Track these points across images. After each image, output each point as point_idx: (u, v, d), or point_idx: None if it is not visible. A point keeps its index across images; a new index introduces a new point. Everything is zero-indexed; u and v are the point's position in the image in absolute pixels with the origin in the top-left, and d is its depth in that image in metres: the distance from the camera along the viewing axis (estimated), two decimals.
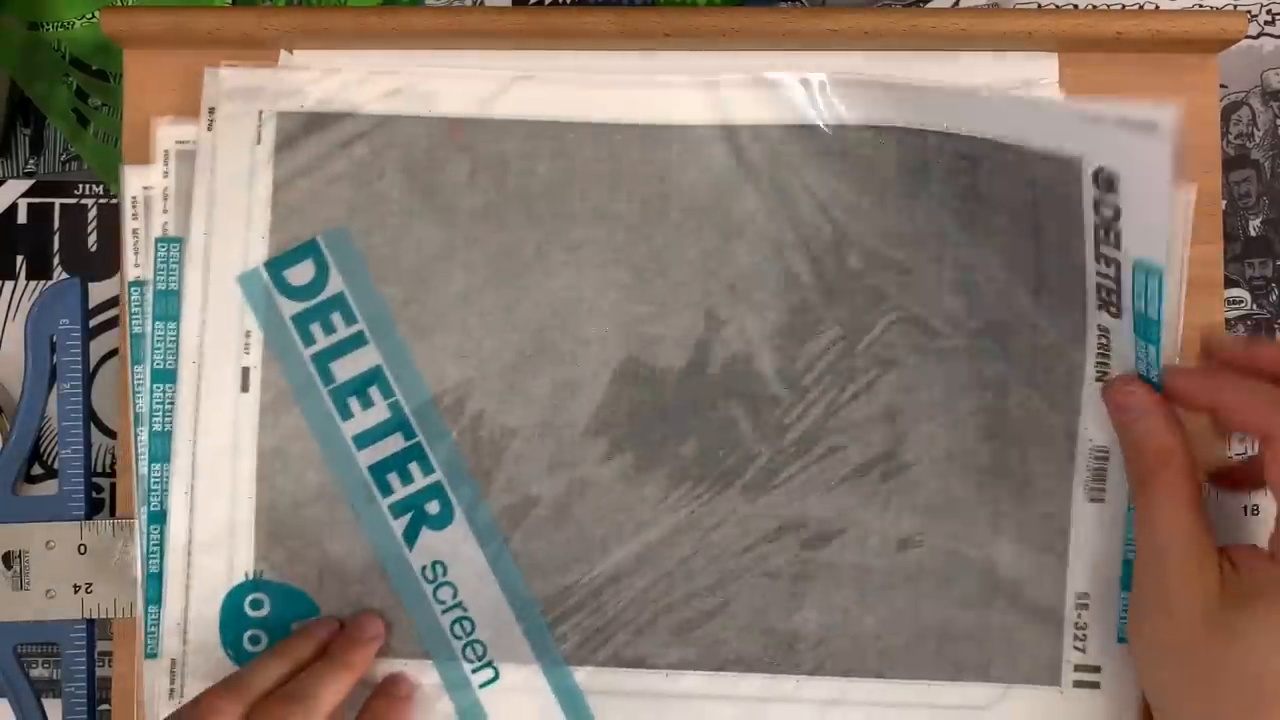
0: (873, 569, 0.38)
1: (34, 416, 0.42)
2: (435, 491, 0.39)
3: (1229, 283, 0.43)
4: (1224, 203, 0.43)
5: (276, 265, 0.39)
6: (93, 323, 0.44)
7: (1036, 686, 0.37)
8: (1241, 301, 0.44)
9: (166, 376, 0.39)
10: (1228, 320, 0.44)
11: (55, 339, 0.43)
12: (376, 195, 0.39)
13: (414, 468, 0.39)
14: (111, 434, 0.44)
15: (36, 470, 0.44)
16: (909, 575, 0.38)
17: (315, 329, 0.39)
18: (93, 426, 0.43)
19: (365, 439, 0.39)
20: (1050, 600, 0.37)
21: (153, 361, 0.39)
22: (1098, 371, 0.37)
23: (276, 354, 0.39)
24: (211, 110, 0.39)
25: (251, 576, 0.39)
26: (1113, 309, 0.35)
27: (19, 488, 0.43)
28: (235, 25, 0.38)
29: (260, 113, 0.39)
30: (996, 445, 0.38)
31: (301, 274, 0.39)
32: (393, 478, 0.39)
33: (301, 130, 0.39)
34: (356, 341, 0.39)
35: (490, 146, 0.39)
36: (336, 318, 0.39)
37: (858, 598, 0.38)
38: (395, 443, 0.39)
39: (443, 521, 0.39)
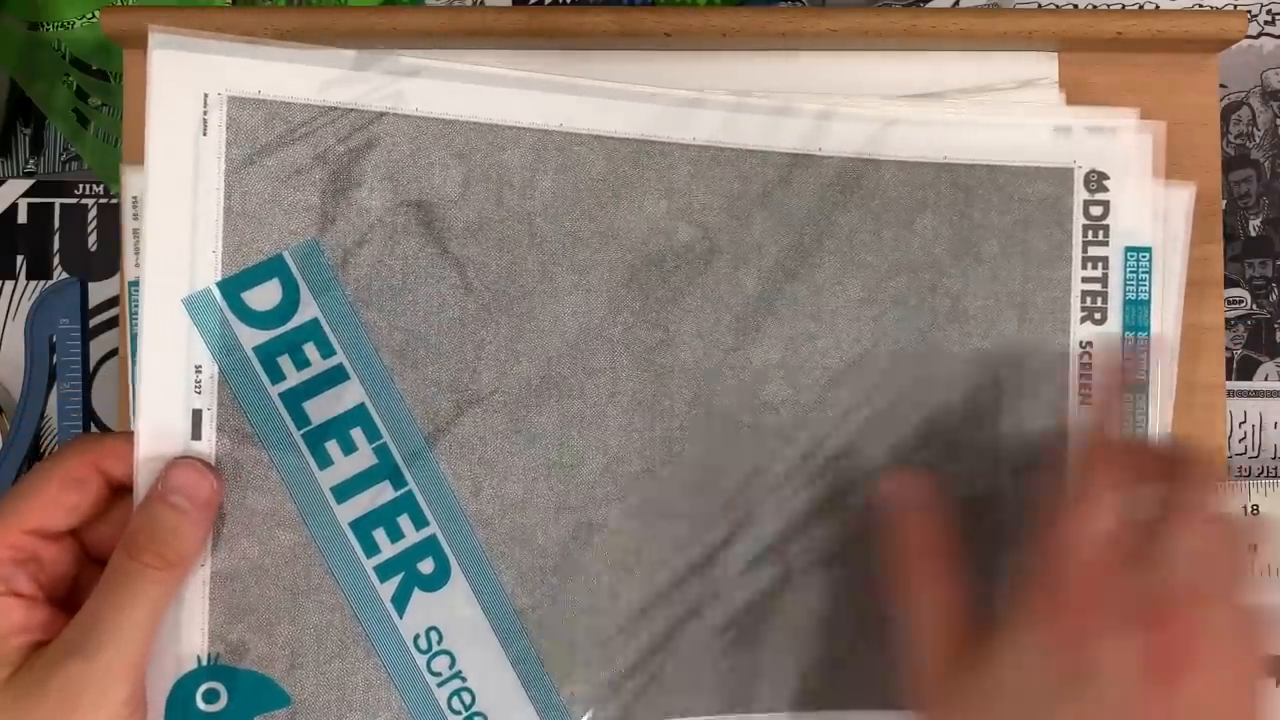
0: (877, 600, 0.36)
1: (34, 416, 0.42)
2: (429, 547, 0.35)
3: (1229, 283, 0.44)
4: (1224, 203, 0.43)
5: (233, 286, 0.34)
6: (93, 323, 0.44)
7: None
8: (1241, 301, 0.44)
9: None
10: (1228, 320, 0.44)
11: (55, 339, 0.43)
12: (354, 205, 0.34)
13: (404, 521, 0.35)
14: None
15: None
16: None
17: (284, 362, 0.34)
18: (93, 426, 0.43)
19: (347, 490, 0.34)
20: None
21: None
22: (1080, 395, 0.37)
23: (235, 393, 0.34)
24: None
25: (205, 661, 0.34)
26: (1098, 315, 0.37)
27: None
28: (236, 25, 0.38)
29: (205, 95, 0.33)
30: (991, 475, 0.37)
31: (265, 297, 0.34)
32: (379, 534, 0.34)
33: (262, 122, 0.34)
34: (335, 377, 0.34)
35: (488, 155, 0.35)
36: (310, 349, 0.34)
37: (861, 630, 0.37)
38: (383, 493, 0.34)
39: (438, 581, 0.35)
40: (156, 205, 0.33)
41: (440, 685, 0.35)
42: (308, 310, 0.34)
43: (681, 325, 0.37)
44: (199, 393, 0.33)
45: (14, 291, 0.44)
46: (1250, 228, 0.44)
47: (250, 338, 0.34)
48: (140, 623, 0.31)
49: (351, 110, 0.34)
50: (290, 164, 0.34)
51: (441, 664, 0.35)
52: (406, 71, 0.35)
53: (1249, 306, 0.44)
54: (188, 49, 0.33)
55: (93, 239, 0.44)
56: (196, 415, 0.33)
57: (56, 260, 0.44)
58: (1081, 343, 0.37)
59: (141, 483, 0.33)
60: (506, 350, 0.36)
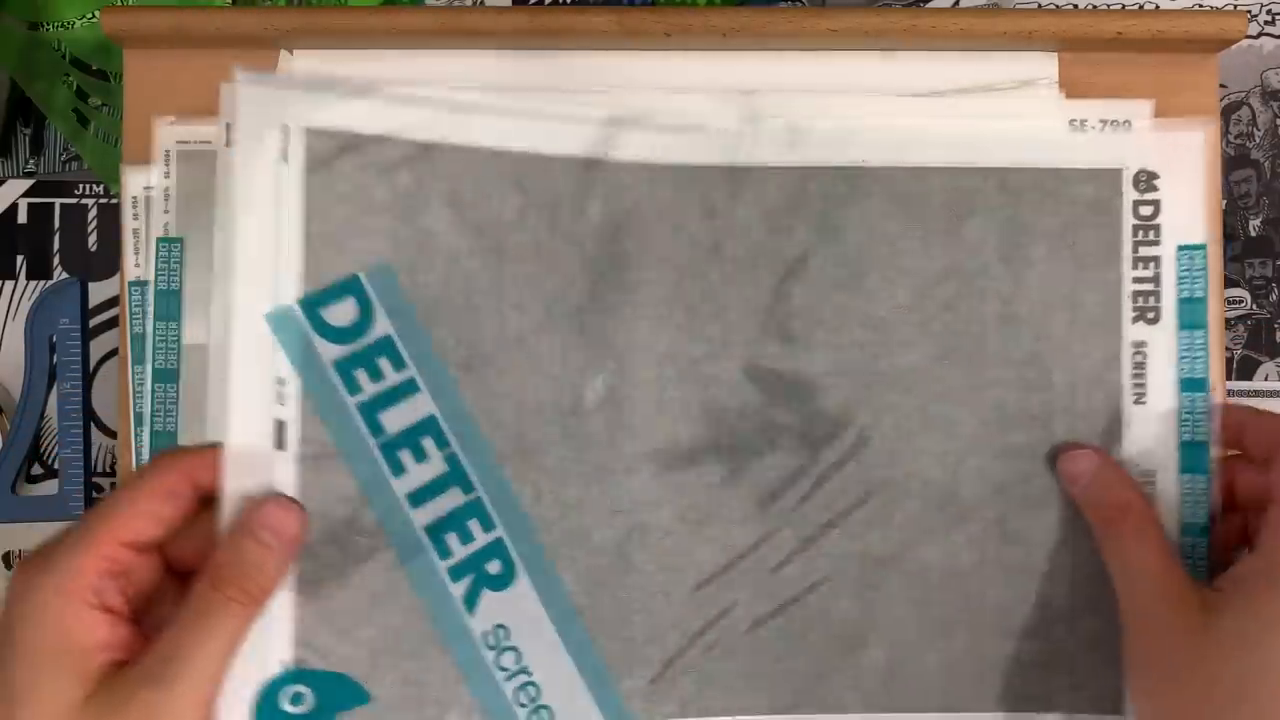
0: (933, 602, 0.37)
1: (34, 416, 0.42)
2: (496, 549, 0.36)
3: (1229, 283, 0.44)
4: (1224, 203, 0.43)
5: (313, 303, 0.35)
6: (93, 323, 0.44)
7: (1100, 716, 0.37)
8: (1241, 301, 0.44)
9: (167, 376, 0.39)
10: (1228, 320, 0.44)
11: (55, 339, 0.43)
12: (422, 229, 0.36)
13: (474, 525, 0.36)
14: (112, 434, 0.44)
15: (36, 470, 0.44)
16: (969, 607, 0.37)
17: (361, 375, 0.35)
18: (93, 426, 0.43)
19: (420, 496, 0.36)
20: (1108, 629, 0.37)
21: (154, 361, 0.39)
22: (1135, 393, 0.37)
23: (317, 404, 0.35)
24: (229, 126, 0.35)
25: (291, 666, 0.34)
26: (1150, 315, 0.37)
27: (19, 487, 0.43)
28: (236, 25, 0.38)
29: (286, 127, 0.35)
30: (1047, 477, 0.37)
31: (343, 314, 0.35)
32: (451, 538, 0.36)
33: (336, 152, 0.36)
34: (407, 389, 0.36)
35: (541, 183, 0.37)
36: (384, 363, 0.36)
37: (919, 632, 0.37)
38: (454, 498, 0.36)
39: (505, 581, 0.36)
40: (244, 225, 0.35)
41: (508, 679, 0.36)
42: (381, 326, 0.36)
43: (729, 336, 0.37)
44: (282, 404, 0.35)
45: (14, 291, 0.44)
46: (1250, 228, 0.44)
47: (329, 352, 0.35)
48: (217, 654, 0.31)
49: (415, 141, 0.36)
50: (366, 190, 0.36)
51: (508, 659, 0.36)
52: (466, 107, 0.37)
53: (1249, 306, 0.44)
54: (269, 85, 0.35)
55: (93, 239, 0.44)
56: (280, 425, 0.34)
57: (56, 260, 0.44)
58: (1134, 343, 0.37)
59: (227, 500, 0.33)
60: (561, 364, 0.37)
